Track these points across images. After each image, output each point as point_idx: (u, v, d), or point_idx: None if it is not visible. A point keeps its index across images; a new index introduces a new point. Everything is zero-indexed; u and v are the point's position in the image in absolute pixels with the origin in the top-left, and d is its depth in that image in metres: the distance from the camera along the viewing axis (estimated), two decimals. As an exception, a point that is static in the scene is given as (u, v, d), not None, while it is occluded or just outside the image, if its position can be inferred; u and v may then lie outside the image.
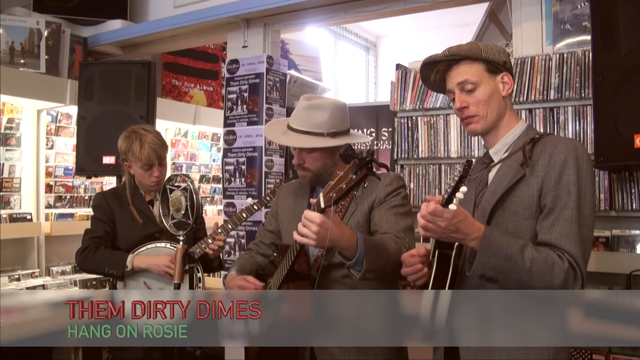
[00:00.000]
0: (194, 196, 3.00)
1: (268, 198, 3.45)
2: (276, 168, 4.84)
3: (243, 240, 4.84)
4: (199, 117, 6.69)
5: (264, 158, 4.74)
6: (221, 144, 5.76)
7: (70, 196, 5.67)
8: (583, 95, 3.60)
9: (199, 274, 3.25)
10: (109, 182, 5.84)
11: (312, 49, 8.22)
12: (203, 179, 7.39)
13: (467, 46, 2.26)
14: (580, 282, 1.97)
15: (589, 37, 3.64)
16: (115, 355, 3.47)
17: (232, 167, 4.88)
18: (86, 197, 5.78)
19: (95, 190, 5.80)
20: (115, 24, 5.89)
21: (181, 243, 3.02)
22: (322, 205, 2.21)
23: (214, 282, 5.95)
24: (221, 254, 3.58)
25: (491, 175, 2.24)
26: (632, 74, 3.06)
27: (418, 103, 4.30)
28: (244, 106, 4.83)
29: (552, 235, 2.00)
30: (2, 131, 5.06)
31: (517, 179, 2.10)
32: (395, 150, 4.41)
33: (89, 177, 5.46)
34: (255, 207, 3.45)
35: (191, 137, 7.19)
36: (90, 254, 3.36)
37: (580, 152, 2.08)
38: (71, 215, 5.62)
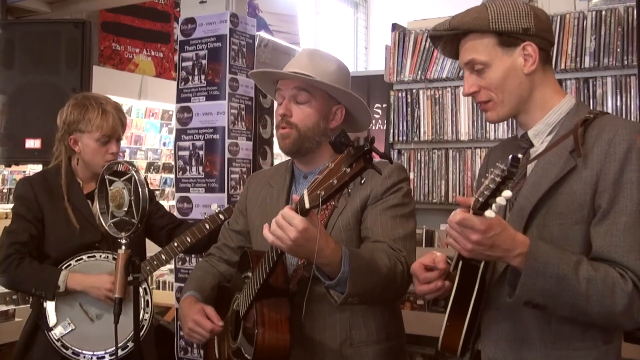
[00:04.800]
0: (140, 189, 2.92)
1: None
2: (242, 154, 4.78)
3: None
4: (145, 90, 6.64)
5: (227, 141, 4.67)
6: (173, 123, 5.69)
7: (-15, 189, 5.60)
8: (625, 62, 3.60)
9: (147, 296, 3.21)
10: (33, 171, 5.76)
11: (287, 5, 8.17)
12: (151, 167, 7.33)
13: (474, 14, 2.16)
14: None
15: (633, -10, 3.63)
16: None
17: (186, 153, 4.82)
18: (5, 190, 5.70)
19: (16, 182, 5.73)
20: (40, -27, 5.83)
21: (123, 247, 2.93)
22: (307, 205, 2.08)
23: (165, 296, 5.90)
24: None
25: (530, 165, 2.18)
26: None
27: (420, 72, 4.28)
28: (202, 76, 4.77)
29: (610, 248, 1.96)
30: None
31: (567, 171, 2.04)
32: (392, 131, 4.39)
33: (8, 165, 5.38)
34: (221, 216, 3.42)
35: (136, 116, 7.14)
36: (12, 267, 3.26)
37: None
38: (-14, 213, 5.56)
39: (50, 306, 3.25)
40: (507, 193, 1.75)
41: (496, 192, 1.75)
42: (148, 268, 3.35)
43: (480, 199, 1.79)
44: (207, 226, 3.42)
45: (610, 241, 1.96)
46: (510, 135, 3.88)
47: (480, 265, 2.03)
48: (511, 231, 1.89)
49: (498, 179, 1.74)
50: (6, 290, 5.08)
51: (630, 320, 1.94)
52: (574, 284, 1.89)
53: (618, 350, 2.12)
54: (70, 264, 3.28)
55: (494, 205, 1.78)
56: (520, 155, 1.80)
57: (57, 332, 3.21)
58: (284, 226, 2.13)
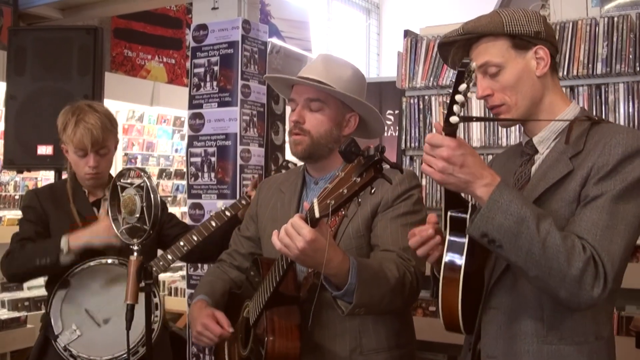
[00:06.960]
0: (152, 195, 2.95)
1: (244, 202, 3.41)
2: (254, 160, 4.80)
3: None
4: (157, 96, 6.66)
5: (239, 148, 4.69)
6: (185, 130, 5.72)
7: (-3, 195, 5.63)
8: (638, 69, 3.60)
9: (156, 298, 3.21)
10: (45, 178, 5.80)
11: (299, 11, 8.18)
12: (163, 173, 7.36)
13: (487, 19, 2.22)
14: (601, 284, 1.91)
15: (645, -4, 3.65)
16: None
17: (198, 159, 4.84)
18: (17, 197, 5.74)
19: (28, 188, 5.75)
20: (52, -20, 5.84)
21: (136, 254, 2.95)
22: (317, 215, 2.09)
23: (177, 303, 5.92)
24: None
25: (534, 168, 2.22)
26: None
27: (432, 79, 4.30)
28: (214, 83, 4.78)
29: (575, 223, 1.99)
30: None
31: (564, 174, 2.07)
32: (403, 137, 4.41)
33: (20, 171, 5.41)
34: (227, 213, 3.40)
35: (148, 122, 7.16)
36: (16, 252, 3.29)
37: None
38: (-2, 219, 5.59)
39: (54, 313, 3.23)
40: (463, 87, 1.84)
41: (454, 94, 1.84)
42: (155, 269, 3.33)
43: (445, 112, 1.87)
44: (213, 223, 3.37)
45: (578, 218, 1.99)
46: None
47: (466, 216, 2.04)
48: (482, 160, 1.96)
49: (453, 82, 1.81)
50: (18, 297, 5.12)
51: (579, 290, 1.91)
52: (532, 229, 1.89)
53: (610, 346, 2.14)
54: (80, 267, 3.28)
55: (455, 107, 1.85)
56: (470, 59, 1.89)
57: (64, 339, 3.19)
58: (292, 235, 2.15)
